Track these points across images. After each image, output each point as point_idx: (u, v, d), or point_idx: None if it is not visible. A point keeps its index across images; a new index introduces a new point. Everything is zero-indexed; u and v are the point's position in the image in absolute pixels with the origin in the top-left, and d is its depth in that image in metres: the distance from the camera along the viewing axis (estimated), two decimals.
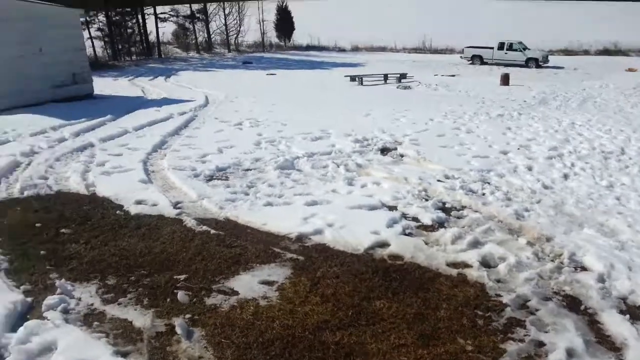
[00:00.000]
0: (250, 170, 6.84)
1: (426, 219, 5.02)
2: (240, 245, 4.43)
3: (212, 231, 4.75)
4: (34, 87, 11.51)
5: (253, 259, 4.16)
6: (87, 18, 24.36)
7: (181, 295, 3.52)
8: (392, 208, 5.34)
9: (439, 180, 6.34)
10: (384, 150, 8.08)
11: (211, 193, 5.77)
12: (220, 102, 13.10)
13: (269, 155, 7.52)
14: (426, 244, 4.46)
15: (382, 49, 36.56)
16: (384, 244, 4.41)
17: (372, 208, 5.32)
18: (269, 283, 3.76)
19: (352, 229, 4.69)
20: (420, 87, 17.56)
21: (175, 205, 5.45)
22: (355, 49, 37.05)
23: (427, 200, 5.62)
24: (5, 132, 8.95)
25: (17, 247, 4.43)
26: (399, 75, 19.54)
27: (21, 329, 3.06)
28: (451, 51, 34.02)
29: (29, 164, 7.03)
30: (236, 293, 3.61)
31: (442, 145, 8.33)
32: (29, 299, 3.52)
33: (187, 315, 3.30)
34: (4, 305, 3.30)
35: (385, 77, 19.36)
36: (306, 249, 4.38)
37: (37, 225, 4.92)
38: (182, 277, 3.84)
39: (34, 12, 11.58)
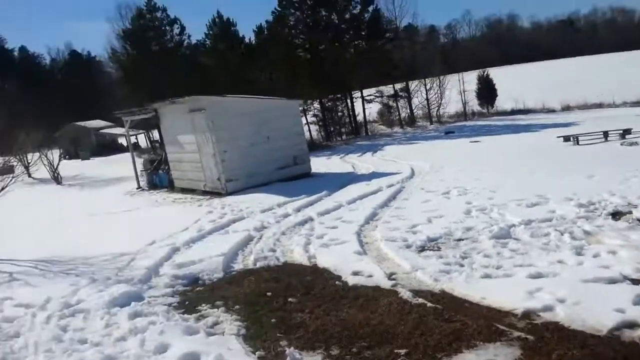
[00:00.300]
0: (463, 240, 6.59)
1: None
2: (459, 320, 4.21)
3: (429, 304, 4.63)
4: (263, 170, 13.16)
5: (475, 336, 3.89)
6: (305, 107, 27.35)
7: None
8: (636, 282, 4.56)
9: None
10: (616, 215, 7.06)
11: (424, 264, 5.69)
12: (426, 173, 13.17)
13: (481, 224, 7.18)
14: None
15: (598, 106, 33.08)
16: (632, 325, 3.74)
17: (611, 281, 4.60)
18: None
19: (589, 305, 4.10)
20: None
21: (390, 276, 5.49)
22: (567, 108, 34.22)
23: None
24: (241, 210, 10.30)
25: (252, 315, 4.90)
26: (622, 131, 17.31)
27: None
28: None
29: (260, 238, 7.91)
30: None
31: None
32: None
33: None
34: None
35: (606, 134, 17.30)
36: (535, 327, 3.95)
37: (268, 294, 5.41)
38: (403, 351, 3.77)
39: (263, 106, 13.49)
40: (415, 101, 37.44)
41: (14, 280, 6.96)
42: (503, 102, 38.29)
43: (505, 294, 4.57)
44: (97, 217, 12.05)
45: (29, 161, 23.60)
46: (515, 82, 46.43)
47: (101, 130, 45.40)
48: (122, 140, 46.13)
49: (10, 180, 9.62)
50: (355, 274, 5.62)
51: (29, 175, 23.41)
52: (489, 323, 4.09)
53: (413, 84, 36.70)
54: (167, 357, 3.99)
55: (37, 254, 8.29)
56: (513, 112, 36.40)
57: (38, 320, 5.19)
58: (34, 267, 7.56)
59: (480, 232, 6.77)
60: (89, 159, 38.57)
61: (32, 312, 5.42)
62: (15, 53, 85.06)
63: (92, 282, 6.30)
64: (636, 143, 15.26)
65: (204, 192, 13.41)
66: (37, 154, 23.90)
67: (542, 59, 72.15)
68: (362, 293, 5.10)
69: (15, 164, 17.38)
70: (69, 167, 28.01)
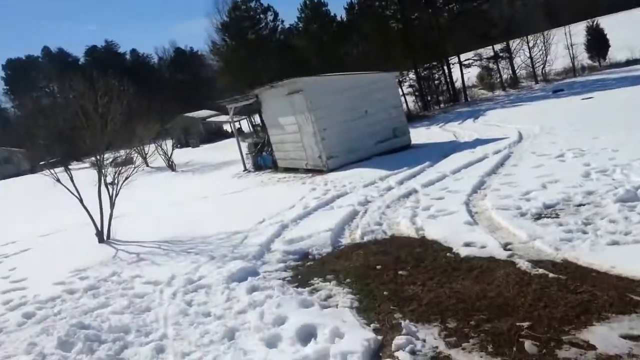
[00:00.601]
0: (584, 205, 6.10)
1: None
2: (586, 291, 3.92)
3: (550, 275, 4.35)
4: (362, 145, 13.14)
5: (607, 308, 3.60)
6: (400, 78, 26.77)
7: (528, 345, 3.28)
8: None
9: None
10: None
11: (542, 233, 5.35)
12: (535, 136, 12.36)
13: (603, 187, 6.60)
14: None
15: None
16: None
17: None
18: (633, 338, 3.17)
19: None
20: None
21: (505, 246, 5.24)
22: None
23: None
24: (343, 185, 10.38)
25: (363, 288, 4.94)
26: None
27: None
28: None
29: (365, 212, 7.92)
30: (593, 347, 3.16)
31: None
32: (379, 337, 3.83)
33: None
34: (361, 342, 3.67)
35: None
36: None
37: (378, 267, 5.41)
38: (525, 324, 3.59)
39: (359, 82, 13.40)
40: (517, 61, 35.06)
41: (141, 260, 7.60)
42: (616, 53, 34.67)
43: (637, 261, 4.17)
44: (210, 199, 12.78)
45: (147, 152, 25.56)
46: (629, 30, 41.81)
47: (207, 119, 47.95)
48: (227, 127, 48.47)
49: (133, 170, 10.44)
50: (467, 245, 5.44)
51: (147, 165, 25.38)
52: (620, 294, 3.77)
53: (514, 43, 34.37)
54: (285, 329, 4.14)
55: (159, 235, 8.99)
56: (629, 62, 32.85)
57: (165, 295, 5.65)
58: (158, 247, 8.20)
59: (603, 195, 6.23)
60: (198, 147, 40.99)
61: (160, 289, 5.91)
62: (127, 56, 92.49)
63: (211, 259, 6.71)
64: None
65: (306, 171, 13.70)
66: (152, 145, 25.81)
67: None
68: (476, 264, 4.92)
69: (134, 155, 18.88)
70: (181, 155, 29.96)
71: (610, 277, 4.11)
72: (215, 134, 45.85)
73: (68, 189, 9.47)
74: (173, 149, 26.52)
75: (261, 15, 37.02)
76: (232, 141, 36.72)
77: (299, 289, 5.11)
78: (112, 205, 9.71)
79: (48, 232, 12.45)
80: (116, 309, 5.45)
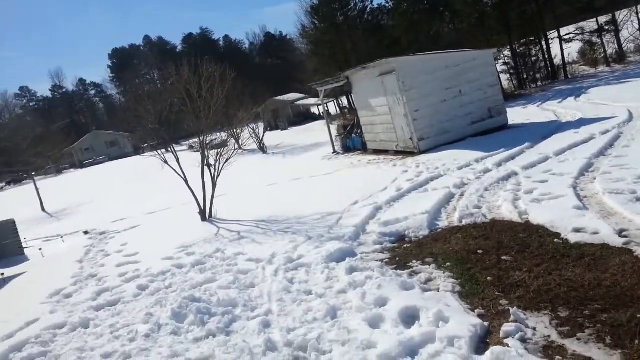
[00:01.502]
0: None
1: None
2: None
3: None
4: (455, 126, 12.76)
5: None
6: (497, 56, 25.57)
7: None
8: None
9: None
10: None
11: None
12: None
13: None
14: None
15: None
16: None
17: None
18: None
19: None
20: None
21: (620, 233, 4.89)
22: None
23: None
24: (437, 168, 10.17)
25: (465, 272, 4.84)
26: None
27: (488, 353, 3.26)
28: None
29: (462, 195, 7.72)
30: None
31: None
32: (486, 324, 3.74)
33: None
34: (467, 327, 3.61)
35: None
36: None
37: (479, 251, 5.27)
38: None
39: (453, 60, 12.95)
40: (624, 34, 32.09)
41: (242, 238, 7.97)
42: None
43: None
44: (302, 181, 13.06)
45: (239, 134, 26.57)
46: None
47: (296, 102, 48.83)
48: (314, 110, 49.09)
49: (233, 152, 10.92)
50: (577, 230, 5.13)
51: (240, 147, 26.40)
52: None
53: (621, 14, 31.45)
54: (388, 310, 4.17)
55: (256, 215, 9.36)
56: None
57: (267, 273, 5.89)
58: (256, 227, 8.55)
59: None
60: (287, 129, 41.92)
61: (262, 266, 6.17)
62: (221, 42, 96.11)
63: (308, 239, 6.88)
64: None
65: (396, 152, 13.56)
66: (245, 128, 26.75)
67: None
68: (587, 251, 4.65)
69: (229, 138, 19.69)
70: (271, 138, 30.83)
71: None
72: (303, 117, 46.65)
73: (174, 170, 10.10)
74: (265, 132, 27.33)
75: None
76: (320, 123, 37.23)
77: (398, 271, 5.11)
78: (214, 185, 10.24)
79: (154, 210, 13.40)
80: (222, 284, 5.77)
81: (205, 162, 10.33)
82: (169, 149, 10.87)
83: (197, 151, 11.17)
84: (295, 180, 13.43)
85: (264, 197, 11.79)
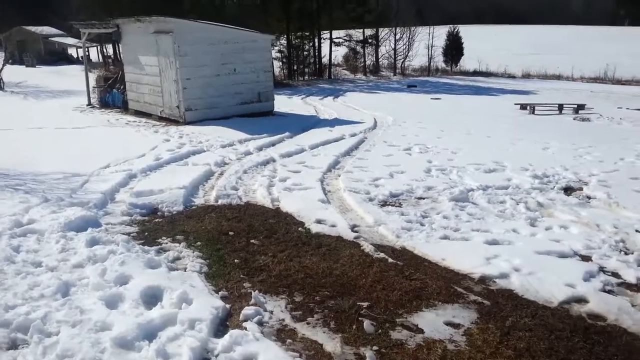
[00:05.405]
0: (423, 199, 6.73)
1: (629, 277, 4.43)
2: (419, 278, 4.35)
3: (390, 260, 4.74)
4: (225, 103, 12.79)
5: (435, 296, 4.04)
6: (274, 42, 26.47)
7: (367, 324, 3.54)
8: (585, 258, 4.84)
9: (638, 231, 5.60)
10: (568, 190, 7.39)
11: (386, 219, 5.79)
12: (388, 126, 13.23)
13: (441, 184, 7.34)
14: (633, 306, 3.93)
15: (557, 77, 33.95)
16: (580, 300, 3.99)
17: (562, 255, 4.86)
18: (454, 325, 3.61)
19: (541, 277, 4.33)
20: (601, 120, 15.87)
21: (353, 228, 5.56)
22: (527, 76, 34.94)
23: (627, 253, 4.98)
24: (200, 142, 10.05)
25: (214, 253, 4.87)
26: (576, 105, 17.94)
27: (226, 337, 3.30)
28: (638, 82, 30.31)
29: (221, 174, 7.78)
30: (421, 331, 3.53)
31: (638, 189, 7.36)
32: (228, 306, 3.82)
33: (374, 347, 3.30)
34: (209, 310, 3.62)
35: (560, 107, 17.90)
36: (491, 292, 4.14)
37: (230, 233, 5.37)
38: (365, 304, 3.87)
39: (234, 37, 12.91)
40: (382, 50, 37.05)
41: None
42: (468, 62, 38.54)
43: (463, 257, 4.74)
44: (45, 131, 11.45)
45: None
46: (483, 44, 46.71)
47: (51, 38, 42.49)
48: (73, 52, 43.52)
49: None
50: (319, 222, 5.65)
51: None
52: (447, 284, 4.25)
53: (383, 32, 36.16)
54: (129, 289, 3.91)
55: None
56: (475, 73, 36.79)
57: None
58: None
59: (441, 192, 6.93)
60: (34, 66, 36.21)
61: None
62: None
63: (44, 201, 6.03)
64: (588, 119, 15.87)
65: (160, 118, 12.97)
66: None
67: (517, 22, 72.96)
68: (325, 242, 5.15)
69: None
70: (12, 73, 26.21)
71: (440, 268, 4.61)
72: (57, 57, 40.93)
73: None
74: (4, 65, 23.06)
75: None
76: (76, 68, 33.22)
77: (146, 247, 4.85)
78: None
79: None
80: None
81: None
82: None
83: None
84: (36, 129, 11.70)
85: None
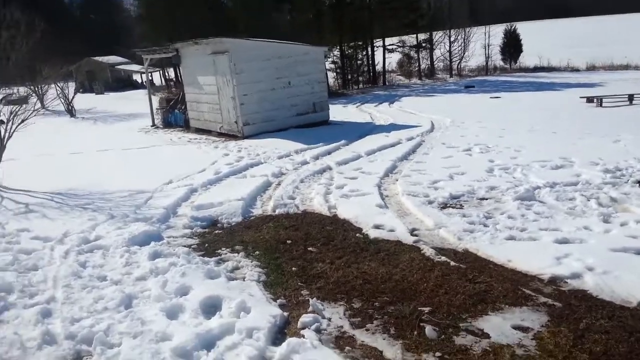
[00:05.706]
0: (486, 199, 6.46)
1: None
2: (484, 281, 4.14)
3: (452, 263, 4.56)
4: (281, 116, 12.98)
5: (501, 299, 3.83)
6: (327, 54, 26.74)
7: (429, 330, 3.40)
8: None
9: None
10: None
11: (447, 222, 5.59)
12: (446, 128, 12.90)
13: (504, 183, 7.03)
14: None
15: (625, 67, 31.97)
16: None
17: None
18: (523, 329, 3.40)
19: (618, 275, 4.01)
20: None
21: (412, 232, 5.41)
22: (591, 69, 33.14)
23: None
24: (258, 154, 10.20)
25: (272, 262, 4.87)
26: None
27: (284, 345, 3.26)
28: None
29: (278, 184, 7.83)
30: (487, 336, 3.34)
31: None
32: (285, 314, 3.79)
33: (437, 354, 3.16)
34: (267, 318, 3.60)
35: (631, 97, 16.77)
36: (563, 294, 3.87)
37: (288, 242, 5.37)
38: (427, 309, 3.72)
39: (287, 51, 13.12)
40: (437, 53, 36.46)
41: (30, 211, 6.97)
42: (527, 58, 37.17)
43: (531, 258, 4.48)
44: (112, 153, 12.02)
45: (44, 92, 23.44)
46: (542, 39, 44.93)
47: (117, 67, 44.96)
48: (137, 77, 45.78)
49: (31, 113, 9.45)
50: (377, 227, 5.54)
51: (43, 106, 23.33)
52: (514, 287, 4.02)
53: (437, 35, 35.62)
54: (189, 299, 3.97)
55: (53, 186, 8.28)
56: (536, 69, 35.37)
57: (56, 254, 5.19)
58: (50, 200, 7.56)
59: (504, 192, 6.63)
60: (103, 94, 38.38)
61: (50, 246, 5.42)
62: None
63: (110, 218, 6.30)
64: None
65: (220, 134, 13.30)
66: (53, 86, 23.70)
67: (571, 15, 69.79)
68: (383, 247, 5.04)
69: (30, 94, 17.20)
70: (83, 100, 27.89)
71: (506, 270, 4.38)
72: (123, 83, 43.23)
73: None
74: (75, 93, 24.54)
75: None
76: (141, 93, 34.85)
77: (205, 258, 4.93)
78: (3, 147, 8.80)
79: None
80: None
81: None
82: None
83: None
84: (104, 150, 12.31)
85: (65, 167, 10.56)
